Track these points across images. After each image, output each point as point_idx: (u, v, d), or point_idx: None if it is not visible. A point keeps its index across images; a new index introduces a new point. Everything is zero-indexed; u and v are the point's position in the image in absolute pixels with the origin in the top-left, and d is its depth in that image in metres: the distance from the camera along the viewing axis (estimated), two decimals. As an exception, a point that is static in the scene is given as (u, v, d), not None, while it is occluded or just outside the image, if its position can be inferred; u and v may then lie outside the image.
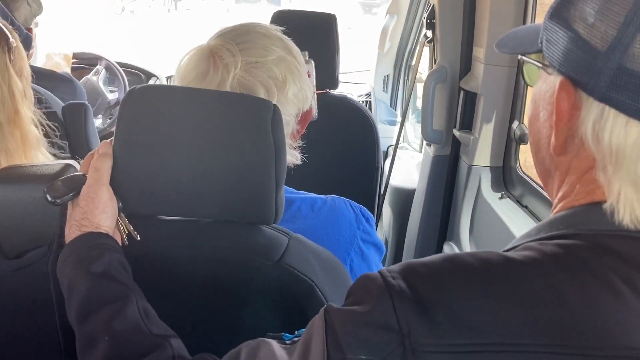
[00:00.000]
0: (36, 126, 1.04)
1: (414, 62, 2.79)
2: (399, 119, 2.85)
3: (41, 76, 1.73)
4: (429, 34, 1.82)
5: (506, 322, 0.47)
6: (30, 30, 1.85)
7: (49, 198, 0.75)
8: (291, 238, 0.84)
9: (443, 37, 1.74)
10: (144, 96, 0.80)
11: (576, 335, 0.47)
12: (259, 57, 0.89)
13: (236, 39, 0.89)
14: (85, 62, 2.72)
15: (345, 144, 1.86)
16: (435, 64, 1.81)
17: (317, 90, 1.76)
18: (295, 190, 1.01)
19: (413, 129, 2.95)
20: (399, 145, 2.82)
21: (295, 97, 0.93)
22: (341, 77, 3.31)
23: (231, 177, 0.79)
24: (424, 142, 2.05)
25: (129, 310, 0.70)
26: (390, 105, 3.04)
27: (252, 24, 0.94)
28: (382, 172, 2.05)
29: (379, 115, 2.96)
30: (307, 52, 1.75)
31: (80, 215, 0.76)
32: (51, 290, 0.81)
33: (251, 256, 0.81)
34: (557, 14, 0.54)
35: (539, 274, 0.49)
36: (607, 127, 0.50)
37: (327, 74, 1.82)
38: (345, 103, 1.90)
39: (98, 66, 2.71)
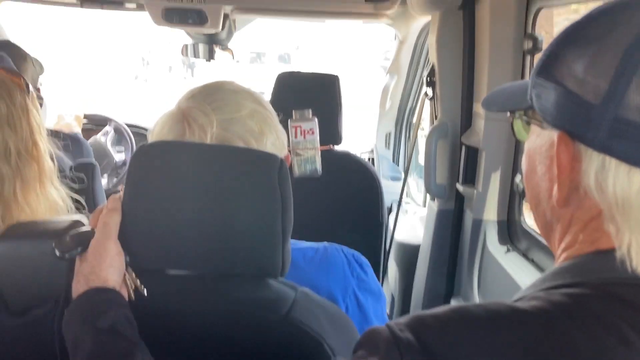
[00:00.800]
0: (51, 158, 1.08)
1: (414, 119, 2.85)
2: (402, 174, 2.87)
3: (57, 137, 1.78)
4: (430, 91, 1.87)
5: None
6: (38, 90, 1.90)
7: (58, 253, 0.76)
8: (298, 292, 0.84)
9: (443, 94, 1.78)
10: (152, 152, 0.81)
11: None
12: (233, 113, 0.88)
13: (207, 99, 0.89)
14: (94, 123, 2.78)
15: (349, 200, 1.87)
16: (436, 120, 1.85)
17: (320, 146, 1.80)
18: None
19: (416, 184, 2.97)
20: (403, 201, 2.83)
21: (274, 146, 0.93)
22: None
23: (238, 230, 0.80)
24: (428, 197, 2.06)
25: None
26: (393, 161, 3.07)
27: (220, 82, 0.95)
28: (387, 228, 2.05)
29: (382, 171, 2.98)
30: (310, 110, 1.80)
31: (88, 269, 0.76)
32: (56, 348, 0.80)
33: (258, 310, 0.80)
34: (545, 71, 0.56)
35: (547, 323, 0.49)
36: (609, 176, 0.50)
37: (330, 131, 1.85)
38: (348, 159, 1.93)
39: (107, 127, 2.77)
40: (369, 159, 2.98)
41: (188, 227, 0.79)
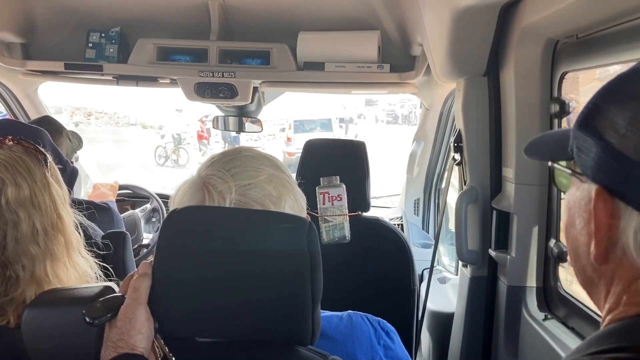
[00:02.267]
0: (76, 228, 1.09)
1: (443, 185, 2.83)
2: (432, 241, 2.83)
3: (81, 206, 1.83)
4: (457, 156, 1.87)
5: None
6: (72, 162, 1.96)
7: (87, 319, 0.75)
8: (329, 359, 0.82)
9: (471, 159, 1.78)
10: (184, 217, 0.82)
11: None
12: (251, 178, 0.90)
13: (226, 166, 0.91)
14: (136, 196, 2.83)
15: (379, 266, 1.84)
16: (465, 185, 1.84)
17: (349, 212, 1.80)
18: None
19: (447, 252, 2.92)
20: (435, 269, 2.77)
21: (292, 209, 0.93)
22: (373, 202, 3.36)
23: (269, 296, 0.79)
24: (460, 264, 2.01)
25: None
26: (423, 229, 3.04)
27: (239, 148, 0.97)
28: (419, 295, 2.00)
29: (412, 238, 2.95)
30: (338, 177, 1.81)
31: (117, 335, 0.75)
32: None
33: None
34: (586, 124, 0.55)
35: None
36: None
37: (358, 197, 1.86)
38: (377, 225, 1.91)
39: (148, 205, 2.82)
40: (398, 226, 2.96)
41: (218, 294, 0.79)
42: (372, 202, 3.62)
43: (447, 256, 2.90)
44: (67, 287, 0.90)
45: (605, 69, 1.33)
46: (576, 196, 0.59)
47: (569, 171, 0.59)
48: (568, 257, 0.63)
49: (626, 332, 0.52)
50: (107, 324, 0.78)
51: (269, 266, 0.79)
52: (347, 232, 1.79)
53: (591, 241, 0.55)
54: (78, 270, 1.06)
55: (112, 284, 0.86)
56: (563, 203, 0.64)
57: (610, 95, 0.54)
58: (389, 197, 3.69)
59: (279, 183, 0.92)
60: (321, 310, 1.02)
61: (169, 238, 0.80)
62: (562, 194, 1.41)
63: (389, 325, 1.03)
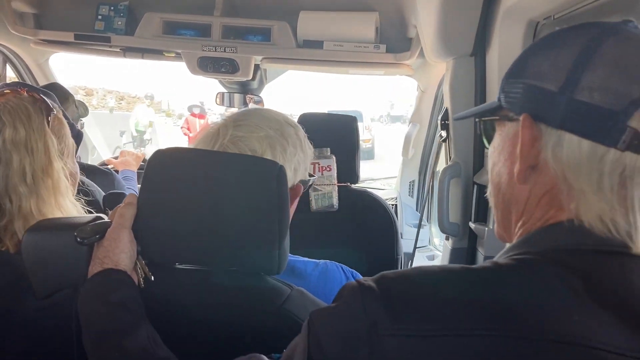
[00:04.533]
0: (66, 177, 1.19)
1: (437, 169, 2.92)
2: (425, 222, 2.92)
3: (86, 170, 1.94)
4: (444, 133, 1.95)
5: (454, 312, 0.54)
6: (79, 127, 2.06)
7: (78, 239, 0.85)
8: (294, 289, 0.91)
9: (456, 136, 1.86)
10: (167, 156, 0.92)
11: (512, 322, 0.53)
12: (247, 132, 0.99)
13: (238, 117, 1.02)
14: None
15: (365, 234, 1.93)
16: (449, 160, 1.92)
17: (338, 183, 1.89)
18: (292, 255, 1.08)
19: (439, 233, 3.00)
20: (426, 247, 2.86)
21: None
22: (369, 184, 3.44)
23: (240, 230, 0.88)
24: (443, 237, 2.10)
25: (139, 336, 0.77)
26: (416, 210, 3.12)
27: (260, 108, 1.08)
28: (402, 265, 2.09)
29: (405, 219, 3.04)
30: (328, 149, 1.90)
31: (103, 253, 0.85)
32: (72, 327, 0.88)
33: (255, 302, 0.88)
34: (514, 74, 0.68)
35: (490, 276, 0.57)
36: (564, 147, 0.61)
37: (347, 169, 1.94)
38: (364, 195, 2.00)
39: None
40: (392, 206, 3.04)
41: (195, 225, 0.88)
42: (369, 183, 3.70)
43: (438, 237, 2.98)
44: (61, 217, 1.00)
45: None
46: (502, 137, 0.70)
47: (497, 117, 0.69)
48: (489, 197, 0.74)
49: (529, 241, 0.63)
50: (95, 244, 0.88)
51: (241, 203, 0.88)
52: (335, 201, 1.89)
53: (514, 166, 0.65)
54: (64, 212, 1.15)
55: (103, 216, 0.96)
56: (489, 153, 0.74)
57: (531, 52, 0.67)
58: (386, 179, 3.78)
59: (269, 144, 1.00)
60: (300, 257, 1.12)
61: (153, 174, 0.90)
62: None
63: (360, 276, 1.11)
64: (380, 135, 17.95)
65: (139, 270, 0.88)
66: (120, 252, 0.85)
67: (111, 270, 0.84)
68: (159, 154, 0.91)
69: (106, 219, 0.95)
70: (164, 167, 0.90)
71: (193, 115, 12.48)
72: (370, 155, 14.19)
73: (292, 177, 1.04)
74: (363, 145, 14.48)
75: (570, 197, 0.61)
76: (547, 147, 0.62)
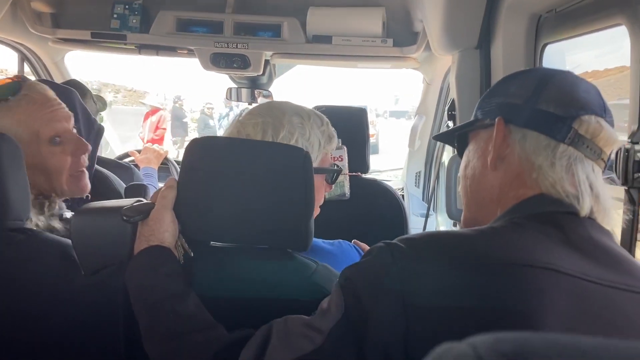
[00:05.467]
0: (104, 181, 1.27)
1: (443, 159, 3.00)
2: (432, 212, 3.00)
3: (105, 164, 2.03)
4: (451, 124, 2.02)
5: (457, 254, 0.70)
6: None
7: (125, 217, 0.94)
8: (319, 265, 0.99)
9: (462, 125, 1.94)
10: (203, 144, 1.00)
11: (497, 256, 0.70)
12: (246, 119, 1.12)
13: (252, 109, 1.15)
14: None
15: (375, 221, 2.01)
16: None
17: (349, 172, 1.97)
18: None
19: (446, 222, 3.08)
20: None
21: None
22: (377, 175, 3.51)
23: (270, 210, 0.96)
24: (450, 225, 2.18)
25: (189, 301, 0.87)
26: (423, 200, 3.20)
27: (279, 102, 1.18)
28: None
29: (412, 208, 3.12)
30: (340, 140, 1.98)
31: (149, 232, 0.94)
32: (118, 304, 0.96)
33: (285, 275, 0.96)
34: (488, 96, 0.91)
35: (487, 231, 0.75)
36: (527, 140, 0.83)
37: (358, 159, 2.02)
38: (374, 184, 2.09)
39: None
40: (400, 196, 3.12)
41: (229, 206, 0.97)
42: (376, 175, 3.77)
43: (444, 226, 3.06)
44: (106, 201, 1.08)
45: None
46: (476, 143, 0.90)
47: (474, 128, 0.91)
48: (461, 190, 0.94)
49: (511, 211, 0.81)
50: (139, 223, 0.96)
51: (271, 185, 0.96)
52: (347, 190, 1.97)
53: (487, 157, 0.85)
54: None
55: (142, 199, 1.05)
56: (462, 162, 0.95)
57: (501, 82, 0.93)
58: (393, 170, 3.85)
59: (262, 129, 1.09)
60: (318, 239, 1.20)
61: (191, 160, 0.98)
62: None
63: None
64: (384, 130, 18.06)
65: (179, 248, 0.97)
66: (164, 231, 0.94)
67: (157, 246, 0.93)
68: (196, 142, 0.99)
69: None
70: (200, 154, 0.98)
71: (155, 110, 9.95)
72: (374, 149, 14.29)
73: None
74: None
75: (532, 171, 0.81)
76: (515, 140, 0.84)
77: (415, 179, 3.23)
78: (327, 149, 1.16)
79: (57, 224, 1.21)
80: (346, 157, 1.96)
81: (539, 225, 0.75)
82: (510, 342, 0.28)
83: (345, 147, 1.97)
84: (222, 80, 3.01)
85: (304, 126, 1.12)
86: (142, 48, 2.51)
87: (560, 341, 0.29)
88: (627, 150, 1.13)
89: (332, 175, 1.18)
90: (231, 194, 0.96)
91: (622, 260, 0.76)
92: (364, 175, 2.09)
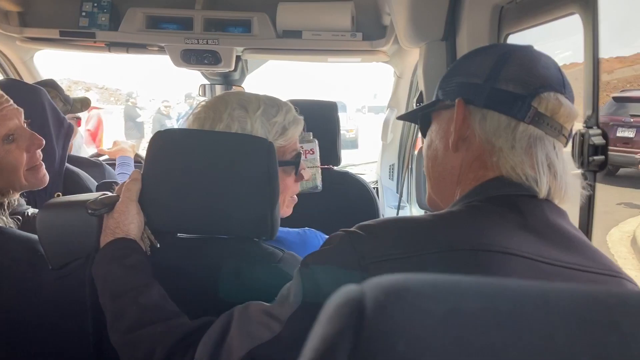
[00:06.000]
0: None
1: (416, 152, 3.03)
2: (405, 203, 3.04)
3: (76, 162, 2.03)
4: (420, 115, 2.05)
5: (417, 240, 0.70)
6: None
7: (89, 210, 0.95)
8: (285, 252, 1.01)
9: (431, 117, 1.97)
10: (166, 137, 1.01)
11: (453, 241, 0.70)
12: (200, 111, 1.15)
13: (209, 102, 1.17)
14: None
15: (348, 213, 2.04)
16: (425, 140, 2.03)
17: (321, 165, 1.99)
18: None
19: (418, 212, 3.12)
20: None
21: None
22: (351, 169, 3.54)
23: (235, 200, 0.98)
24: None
25: (152, 292, 0.88)
26: (397, 192, 3.24)
27: (228, 92, 1.20)
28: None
29: (387, 201, 3.15)
30: (311, 133, 2.00)
31: (114, 224, 0.95)
32: (86, 297, 0.97)
33: (251, 263, 0.98)
34: (448, 75, 0.89)
35: (446, 216, 0.74)
36: (487, 120, 0.82)
37: (330, 152, 2.05)
38: (346, 177, 2.11)
39: None
40: (374, 190, 3.15)
41: (194, 197, 0.98)
42: (351, 168, 3.80)
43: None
44: (71, 196, 1.08)
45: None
46: (438, 123, 0.90)
47: (436, 108, 0.90)
48: (425, 170, 0.95)
49: (470, 195, 0.81)
50: (105, 215, 0.97)
51: (235, 175, 0.98)
52: (319, 183, 1.99)
53: (449, 139, 0.85)
54: None
55: (108, 192, 1.05)
56: (425, 142, 0.95)
57: (461, 60, 0.91)
58: (367, 164, 3.89)
59: (205, 127, 1.12)
60: (283, 228, 1.22)
61: (155, 152, 0.99)
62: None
63: None
64: (363, 125, 18.15)
65: (146, 240, 0.98)
66: (129, 223, 0.95)
67: (123, 239, 0.94)
68: (160, 135, 1.00)
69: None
70: (164, 146, 1.00)
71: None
72: (354, 144, 14.33)
73: None
74: (347, 134, 14.64)
75: (492, 153, 0.81)
76: (476, 121, 0.83)
77: (389, 172, 3.26)
78: (280, 142, 1.15)
79: (9, 221, 1.23)
80: (317, 150, 1.98)
81: (497, 208, 0.76)
82: (392, 278, 0.31)
83: (316, 141, 1.99)
84: (193, 77, 3.00)
85: (245, 119, 1.12)
86: (112, 46, 2.49)
87: (439, 279, 0.32)
88: (582, 135, 1.17)
89: (296, 166, 1.19)
90: (196, 185, 0.97)
91: (576, 242, 0.77)
92: (335, 168, 2.11)
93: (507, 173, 0.79)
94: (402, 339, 0.28)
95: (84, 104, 2.39)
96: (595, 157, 1.15)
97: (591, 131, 1.16)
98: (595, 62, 1.19)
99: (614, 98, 9.69)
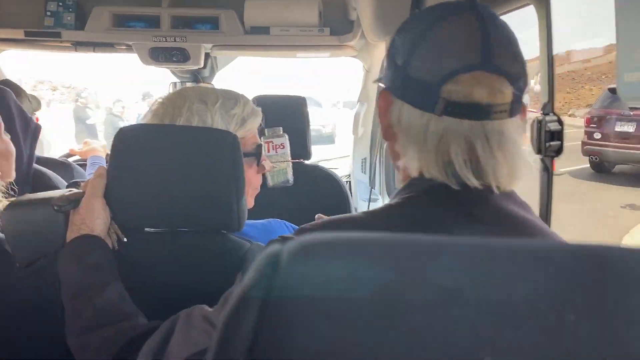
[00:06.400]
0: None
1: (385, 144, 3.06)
2: (378, 196, 3.07)
3: (44, 163, 2.01)
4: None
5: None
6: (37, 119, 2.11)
7: (55, 207, 0.95)
8: (253, 244, 1.03)
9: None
10: (132, 132, 1.02)
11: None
12: (160, 107, 1.16)
13: (168, 97, 1.17)
14: None
15: (319, 206, 2.06)
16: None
17: (292, 159, 2.02)
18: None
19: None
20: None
21: None
22: (324, 164, 3.56)
23: (201, 193, 0.99)
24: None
25: (108, 293, 0.88)
26: (369, 185, 3.27)
27: (197, 90, 1.20)
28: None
29: (360, 194, 3.18)
30: (281, 128, 2.02)
31: (79, 220, 0.95)
32: (55, 295, 0.98)
33: (219, 256, 0.99)
34: (389, 49, 0.80)
35: (383, 211, 0.75)
36: (404, 114, 0.75)
37: (300, 146, 2.07)
38: (317, 171, 2.13)
39: None
40: (346, 183, 3.18)
41: (160, 192, 0.99)
42: (325, 163, 3.82)
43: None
44: (37, 193, 1.09)
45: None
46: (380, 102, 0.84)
47: (380, 83, 0.84)
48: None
49: (407, 187, 0.77)
50: (71, 211, 0.98)
51: (201, 169, 0.99)
52: (290, 177, 2.01)
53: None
54: None
55: (74, 189, 1.06)
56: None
57: (397, 31, 0.79)
58: (341, 158, 3.92)
59: (165, 121, 1.13)
60: (252, 220, 1.23)
61: (120, 148, 1.00)
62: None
63: None
64: (340, 121, 18.20)
65: (113, 234, 0.99)
66: (95, 219, 0.96)
67: (87, 235, 0.94)
68: (124, 131, 1.01)
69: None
70: (129, 141, 1.01)
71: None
72: (330, 140, 14.34)
73: None
74: (323, 130, 14.66)
75: (410, 147, 0.74)
76: (394, 113, 0.76)
77: (362, 165, 3.29)
78: (240, 133, 1.16)
79: None
80: (288, 145, 2.00)
81: (435, 199, 0.72)
82: (310, 236, 0.35)
83: (286, 135, 2.01)
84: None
85: (205, 112, 1.13)
86: (78, 45, 2.47)
87: (353, 235, 0.35)
88: (539, 122, 1.21)
89: (257, 158, 1.21)
90: (162, 179, 0.99)
91: (530, 228, 0.73)
92: (306, 162, 2.13)
93: (427, 169, 0.73)
94: (311, 287, 0.32)
95: (39, 102, 2.38)
96: (552, 143, 1.19)
97: (547, 118, 1.20)
98: (549, 52, 1.23)
99: (610, 89, 8.91)
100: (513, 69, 0.72)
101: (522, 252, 0.33)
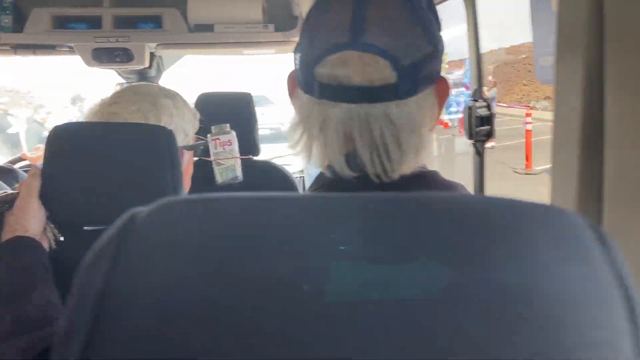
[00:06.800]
0: None
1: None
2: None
3: None
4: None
5: None
6: None
7: None
8: None
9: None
10: (65, 131, 1.02)
11: None
12: (119, 109, 1.12)
13: (113, 96, 1.16)
14: None
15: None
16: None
17: (240, 156, 2.02)
18: None
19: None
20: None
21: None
22: (277, 160, 3.59)
23: (137, 189, 1.00)
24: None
25: (29, 300, 0.86)
26: (322, 179, 3.30)
27: (136, 84, 1.20)
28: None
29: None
30: (228, 125, 2.02)
31: (14, 221, 0.95)
32: None
33: None
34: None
35: None
36: (298, 99, 0.72)
37: (248, 143, 2.08)
38: (267, 167, 2.15)
39: None
40: (299, 178, 3.21)
41: (95, 189, 0.99)
42: (278, 160, 3.84)
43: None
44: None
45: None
46: None
47: None
48: None
49: (318, 179, 0.76)
50: (6, 213, 0.97)
51: (137, 166, 1.00)
52: (238, 173, 2.02)
53: None
54: None
55: (8, 189, 1.05)
56: None
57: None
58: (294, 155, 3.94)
59: (143, 116, 1.11)
60: None
61: (53, 147, 1.00)
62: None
63: None
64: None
65: (49, 234, 0.98)
66: (30, 218, 0.95)
67: (19, 237, 0.93)
68: (57, 129, 1.01)
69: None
70: (62, 139, 1.00)
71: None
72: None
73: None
74: (282, 127, 14.63)
75: (311, 137, 0.69)
76: (297, 98, 0.72)
77: (315, 160, 3.32)
78: (196, 126, 1.20)
79: None
80: (235, 141, 2.01)
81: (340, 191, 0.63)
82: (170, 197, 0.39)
83: (233, 132, 2.02)
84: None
85: (177, 107, 1.15)
86: (18, 48, 2.42)
87: (208, 196, 0.39)
88: (469, 108, 1.26)
89: (200, 148, 1.22)
90: (98, 177, 0.99)
91: None
92: (255, 158, 2.15)
93: (329, 161, 0.69)
94: (164, 241, 0.35)
95: None
96: (481, 127, 1.24)
97: (477, 104, 1.25)
98: (477, 42, 1.28)
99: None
100: (392, 46, 0.64)
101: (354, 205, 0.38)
